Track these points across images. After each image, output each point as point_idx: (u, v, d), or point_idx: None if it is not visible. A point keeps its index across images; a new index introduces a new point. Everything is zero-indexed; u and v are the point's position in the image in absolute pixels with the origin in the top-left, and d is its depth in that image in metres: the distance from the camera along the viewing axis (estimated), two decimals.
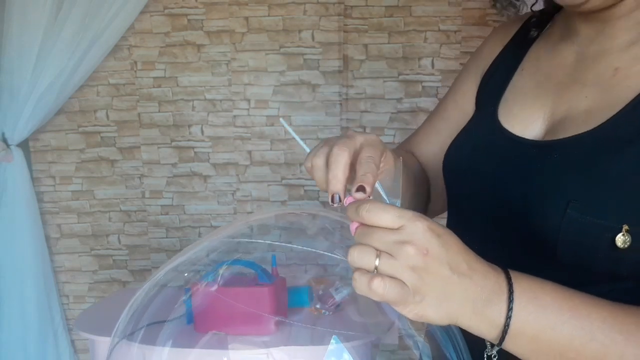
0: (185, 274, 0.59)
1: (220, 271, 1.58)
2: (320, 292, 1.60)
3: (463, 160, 0.68)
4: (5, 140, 1.94)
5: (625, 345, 0.44)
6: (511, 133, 0.63)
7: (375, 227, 0.43)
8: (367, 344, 1.42)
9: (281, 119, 0.55)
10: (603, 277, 0.53)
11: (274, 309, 1.38)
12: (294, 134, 0.53)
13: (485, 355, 0.49)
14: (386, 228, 0.43)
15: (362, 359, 1.42)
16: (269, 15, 1.98)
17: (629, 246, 0.49)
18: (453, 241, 0.44)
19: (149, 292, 0.60)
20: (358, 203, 0.44)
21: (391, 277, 0.42)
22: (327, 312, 1.43)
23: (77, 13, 1.83)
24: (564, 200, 0.52)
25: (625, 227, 0.49)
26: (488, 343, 0.47)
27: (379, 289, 0.41)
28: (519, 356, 0.46)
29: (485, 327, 0.45)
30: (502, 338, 0.44)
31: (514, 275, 0.45)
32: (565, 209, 0.52)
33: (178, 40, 2.02)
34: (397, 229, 0.42)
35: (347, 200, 0.48)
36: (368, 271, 0.43)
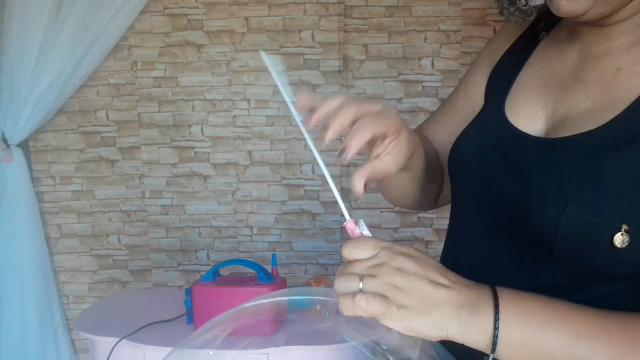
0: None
1: (221, 271, 1.58)
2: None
3: (468, 154, 0.68)
4: (5, 140, 1.94)
5: (611, 344, 0.45)
6: (516, 128, 0.63)
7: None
8: (367, 344, 1.42)
9: (261, 52, 0.54)
10: (602, 277, 0.53)
11: (274, 310, 1.38)
12: (273, 73, 0.53)
13: None
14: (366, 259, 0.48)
15: (362, 359, 1.42)
16: (269, 15, 1.98)
17: (627, 246, 0.49)
18: (428, 262, 0.48)
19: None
20: (345, 244, 0.49)
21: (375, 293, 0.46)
22: (327, 313, 1.43)
23: (77, 13, 1.83)
24: (563, 199, 0.53)
25: (625, 227, 0.49)
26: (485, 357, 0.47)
27: (362, 302, 0.44)
28: None
29: (475, 334, 0.46)
30: (494, 345, 0.45)
31: (497, 287, 0.48)
32: (564, 207, 0.52)
33: (178, 40, 2.02)
34: (374, 256, 0.47)
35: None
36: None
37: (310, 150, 0.53)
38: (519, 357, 0.46)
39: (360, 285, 0.45)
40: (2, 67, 1.88)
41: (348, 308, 0.45)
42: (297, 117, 0.51)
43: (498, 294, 0.46)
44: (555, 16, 0.69)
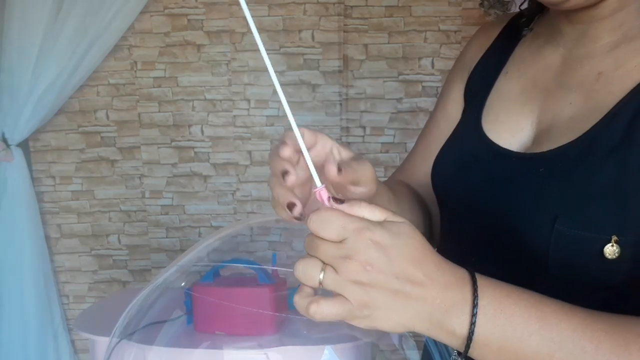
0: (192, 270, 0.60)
1: (221, 272, 1.59)
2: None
3: (449, 175, 0.66)
4: (5, 140, 1.94)
5: (595, 353, 0.42)
6: (496, 145, 0.62)
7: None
8: (367, 344, 1.42)
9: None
10: (596, 287, 0.52)
11: (274, 310, 1.38)
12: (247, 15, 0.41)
13: None
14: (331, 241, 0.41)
15: (362, 359, 1.42)
16: (269, 15, 1.98)
17: (618, 257, 0.49)
18: (404, 252, 0.41)
19: (149, 295, 0.60)
20: (311, 215, 0.43)
21: (335, 292, 0.41)
22: None
23: (77, 13, 1.83)
24: (551, 216, 0.52)
25: (615, 237, 0.49)
26: (454, 351, 0.46)
27: (316, 315, 0.41)
28: None
29: (445, 337, 0.43)
30: (466, 350, 0.43)
31: (481, 284, 0.43)
32: (553, 224, 0.51)
33: (178, 40, 2.02)
34: (341, 241, 0.41)
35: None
36: (312, 287, 0.42)
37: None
38: (493, 359, 0.44)
39: (321, 276, 0.41)
40: (2, 67, 1.88)
41: (303, 312, 0.41)
42: (268, 63, 0.41)
43: (478, 299, 0.42)
44: (534, 12, 0.68)
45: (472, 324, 0.42)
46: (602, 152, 0.51)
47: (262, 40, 0.41)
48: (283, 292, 1.46)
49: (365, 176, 0.49)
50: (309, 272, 0.42)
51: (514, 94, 0.64)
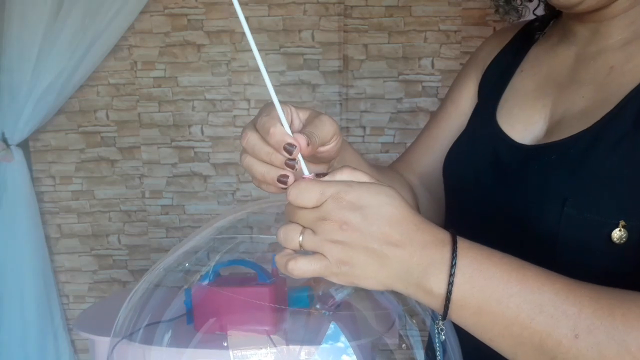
0: (187, 264, 0.60)
1: (221, 272, 1.59)
2: (320, 293, 1.60)
3: (463, 166, 0.68)
4: (5, 140, 1.94)
5: (578, 317, 0.41)
6: (510, 138, 0.63)
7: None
8: (367, 344, 1.42)
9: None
10: (603, 274, 0.53)
11: (274, 309, 1.38)
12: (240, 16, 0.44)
13: (436, 329, 0.48)
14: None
15: (362, 359, 1.42)
16: (269, 15, 1.98)
17: (625, 242, 0.50)
18: (381, 212, 0.42)
19: (150, 285, 0.60)
20: (290, 187, 0.45)
21: (315, 252, 0.43)
22: (327, 313, 1.43)
23: (77, 13, 1.83)
24: (560, 199, 0.53)
25: (622, 222, 0.50)
26: (439, 316, 0.45)
27: (294, 271, 0.43)
28: (463, 327, 0.45)
29: (424, 297, 0.43)
30: (446, 310, 0.43)
31: (462, 246, 0.43)
32: (563, 207, 0.52)
33: (178, 40, 2.02)
34: (319, 206, 0.42)
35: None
36: (294, 250, 0.44)
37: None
38: (470, 324, 0.44)
39: (300, 238, 0.43)
40: (2, 67, 1.88)
41: (282, 271, 0.44)
42: (261, 64, 0.45)
43: (457, 259, 0.42)
44: (547, 19, 0.70)
45: (450, 283, 0.42)
46: (613, 139, 0.53)
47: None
48: (283, 291, 1.46)
49: (330, 131, 0.50)
50: (289, 235, 0.44)
51: (528, 90, 0.66)
